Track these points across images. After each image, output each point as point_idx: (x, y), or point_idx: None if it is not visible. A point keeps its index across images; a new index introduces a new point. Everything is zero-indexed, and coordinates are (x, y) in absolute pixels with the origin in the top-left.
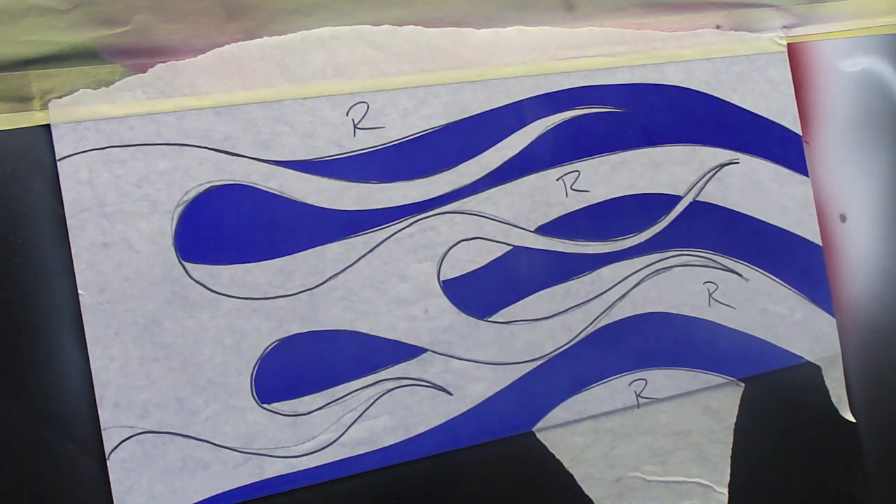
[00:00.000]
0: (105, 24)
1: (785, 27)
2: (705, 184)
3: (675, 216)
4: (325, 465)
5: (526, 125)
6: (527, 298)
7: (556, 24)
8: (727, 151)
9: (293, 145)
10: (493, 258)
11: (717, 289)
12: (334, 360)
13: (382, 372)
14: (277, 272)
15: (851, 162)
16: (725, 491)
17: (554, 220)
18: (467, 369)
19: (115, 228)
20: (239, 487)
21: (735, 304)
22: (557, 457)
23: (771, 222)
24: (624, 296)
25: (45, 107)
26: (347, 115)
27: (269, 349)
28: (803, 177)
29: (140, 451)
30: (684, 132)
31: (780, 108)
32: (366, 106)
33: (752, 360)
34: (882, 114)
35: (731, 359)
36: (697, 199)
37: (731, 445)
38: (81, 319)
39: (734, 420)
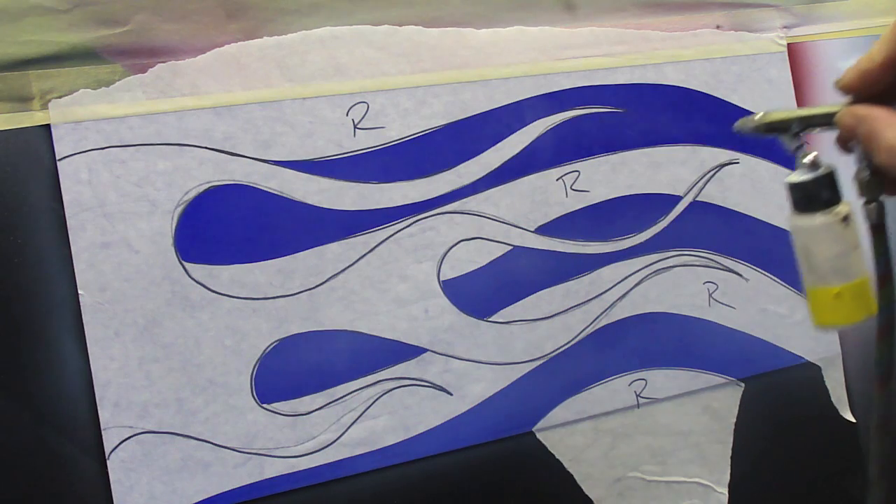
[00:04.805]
0: (105, 24)
1: (785, 27)
2: (705, 184)
3: (675, 216)
4: (325, 465)
5: (526, 125)
6: (527, 298)
7: (556, 24)
8: (727, 151)
9: (293, 145)
10: (493, 258)
11: (717, 289)
12: (334, 360)
13: (382, 372)
14: (277, 272)
15: (851, 162)
16: (725, 491)
17: (554, 220)
18: (467, 369)
19: (115, 228)
20: (239, 487)
21: (735, 304)
22: (557, 457)
23: (771, 222)
24: (624, 296)
25: (45, 107)
26: (347, 115)
27: (269, 349)
28: None
29: (140, 451)
30: (684, 132)
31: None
32: (366, 106)
33: (752, 360)
34: None
35: (731, 359)
36: (697, 199)
37: (731, 445)
38: (81, 319)
39: (734, 420)
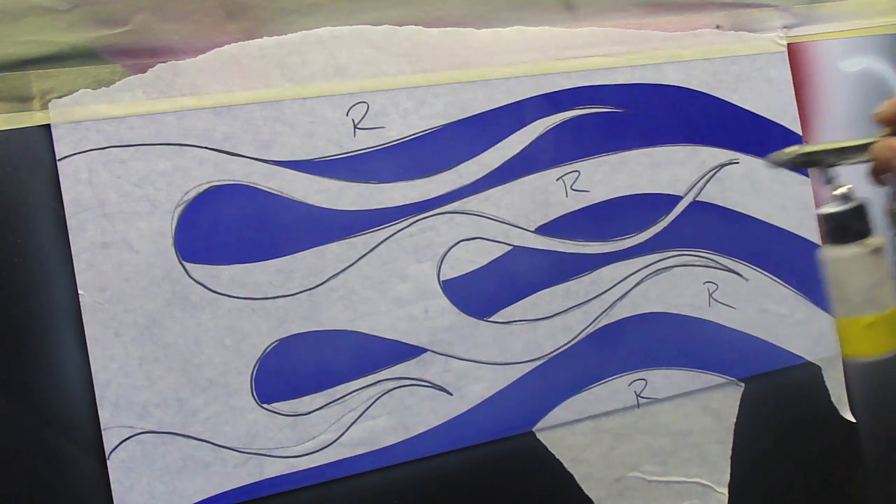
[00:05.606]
0: (105, 24)
1: (785, 27)
2: (705, 184)
3: (675, 216)
4: (325, 465)
5: (526, 125)
6: (527, 298)
7: (556, 24)
8: (727, 151)
9: (293, 145)
10: (493, 258)
11: (717, 289)
12: (334, 360)
13: (382, 372)
14: (277, 272)
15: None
16: (725, 491)
17: (554, 220)
18: (467, 369)
19: (115, 228)
20: (239, 487)
21: (735, 304)
22: (557, 457)
23: (771, 222)
24: (624, 296)
25: (45, 107)
26: (347, 115)
27: (269, 349)
28: (803, 177)
29: (140, 451)
30: (684, 132)
31: (780, 108)
32: (366, 106)
33: (752, 360)
34: None
35: (731, 359)
36: (697, 199)
37: (731, 445)
38: (81, 319)
39: (734, 420)
